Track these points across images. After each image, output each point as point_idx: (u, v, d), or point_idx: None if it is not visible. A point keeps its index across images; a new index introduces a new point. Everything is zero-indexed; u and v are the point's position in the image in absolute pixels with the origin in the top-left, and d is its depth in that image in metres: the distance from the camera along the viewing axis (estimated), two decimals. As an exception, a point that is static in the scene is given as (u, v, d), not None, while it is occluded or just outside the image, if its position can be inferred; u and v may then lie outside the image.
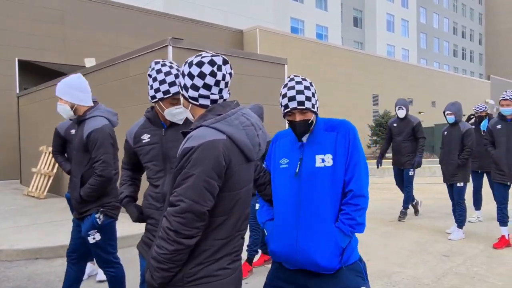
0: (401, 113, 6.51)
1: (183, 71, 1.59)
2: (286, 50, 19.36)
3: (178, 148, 1.57)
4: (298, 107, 1.79)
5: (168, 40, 5.53)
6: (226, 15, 23.09)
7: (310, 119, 1.81)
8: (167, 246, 1.39)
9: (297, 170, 1.82)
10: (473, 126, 6.05)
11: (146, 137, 2.19)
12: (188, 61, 1.59)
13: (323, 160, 1.79)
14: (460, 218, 5.39)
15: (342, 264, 1.80)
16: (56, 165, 9.18)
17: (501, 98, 4.77)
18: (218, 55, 1.58)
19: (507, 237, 4.92)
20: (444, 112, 5.51)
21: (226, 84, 1.60)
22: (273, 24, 25.86)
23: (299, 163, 1.82)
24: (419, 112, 26.05)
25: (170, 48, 5.54)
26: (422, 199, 7.56)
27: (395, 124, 6.62)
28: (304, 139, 1.87)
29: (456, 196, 5.40)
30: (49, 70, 14.13)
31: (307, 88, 1.82)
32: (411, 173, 6.52)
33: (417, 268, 4.25)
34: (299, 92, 1.80)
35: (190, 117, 1.66)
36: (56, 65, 13.85)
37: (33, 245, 4.95)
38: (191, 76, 1.55)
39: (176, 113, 2.08)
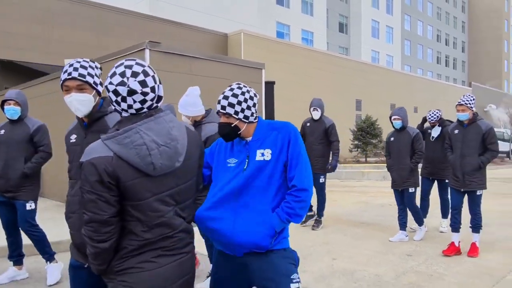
0: (316, 115, 6.23)
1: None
2: (270, 55, 19.56)
3: None
4: (220, 110, 1.99)
5: (146, 44, 5.64)
6: (212, 19, 23.21)
7: (232, 123, 1.97)
8: (90, 249, 1.63)
9: (245, 167, 1.97)
10: (429, 131, 6.08)
11: (73, 137, 2.27)
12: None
13: (262, 154, 1.96)
14: (418, 218, 5.53)
15: (273, 246, 1.96)
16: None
17: (457, 104, 4.72)
18: (134, 64, 1.67)
19: (456, 244, 4.87)
20: (390, 118, 5.47)
21: (135, 98, 1.63)
22: (258, 29, 26.06)
23: (246, 160, 1.98)
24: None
25: (147, 52, 5.65)
26: (391, 203, 7.76)
27: (308, 124, 6.33)
28: (248, 139, 2.02)
29: (408, 201, 5.46)
30: (31, 70, 14.06)
31: (234, 95, 1.99)
32: (321, 179, 6.13)
33: (379, 267, 4.43)
34: (225, 97, 1.99)
35: (86, 109, 2.12)
36: (38, 65, 13.79)
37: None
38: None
39: (69, 102, 2.09)
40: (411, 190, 5.41)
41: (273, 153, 1.95)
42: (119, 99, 1.64)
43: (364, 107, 24.60)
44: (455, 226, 4.92)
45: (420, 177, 5.89)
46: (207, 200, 1.99)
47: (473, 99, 4.70)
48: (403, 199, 5.53)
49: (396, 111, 5.47)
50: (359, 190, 11.21)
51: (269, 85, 8.11)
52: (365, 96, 25.23)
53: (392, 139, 5.55)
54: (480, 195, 4.77)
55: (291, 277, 1.96)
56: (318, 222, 6.27)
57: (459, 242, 4.90)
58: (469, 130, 4.71)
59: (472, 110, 4.70)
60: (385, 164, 6.09)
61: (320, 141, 6.10)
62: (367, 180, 13.71)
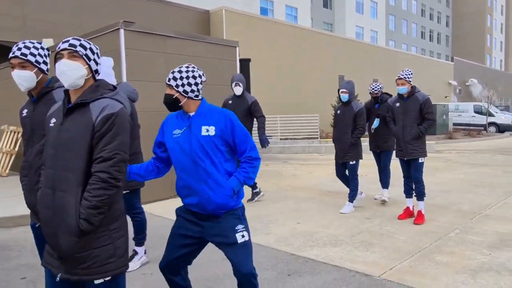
0: (238, 90, 5.98)
1: None
2: (253, 32, 19.63)
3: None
4: (166, 82, 2.39)
5: (120, 23, 5.84)
6: (194, -5, 23.02)
7: (173, 95, 2.34)
8: (108, 192, 1.76)
9: (177, 137, 2.37)
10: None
11: (24, 112, 2.58)
12: None
13: (207, 130, 2.34)
14: (352, 193, 5.68)
15: (231, 207, 2.37)
16: (18, 143, 9.39)
17: (397, 78, 5.07)
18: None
19: (411, 209, 5.29)
20: (338, 90, 5.62)
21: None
22: (241, 5, 25.93)
23: (185, 129, 2.37)
24: (385, 93, 26.84)
25: (121, 31, 5.86)
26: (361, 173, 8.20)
27: (230, 102, 6.10)
28: (191, 114, 2.40)
29: (350, 172, 5.65)
30: (8, 49, 13.99)
31: (180, 72, 2.39)
32: None
33: (339, 229, 4.88)
34: (173, 72, 2.39)
35: (28, 84, 2.41)
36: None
37: (-7, 216, 5.30)
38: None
39: (14, 78, 2.38)
40: (352, 162, 5.58)
41: (217, 130, 2.33)
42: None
43: (346, 83, 24.90)
44: (408, 192, 5.33)
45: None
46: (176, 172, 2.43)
47: (411, 73, 5.07)
48: (344, 172, 5.76)
49: (343, 84, 5.53)
50: (324, 162, 11.66)
51: (245, 63, 8.36)
52: (349, 72, 25.54)
53: (338, 112, 5.68)
54: (422, 162, 5.08)
55: (236, 228, 2.37)
56: (256, 194, 6.40)
57: (413, 206, 5.34)
58: (409, 102, 5.08)
59: (410, 84, 5.07)
60: (366, 139, 6.52)
61: (243, 118, 5.78)
62: (328, 154, 14.20)
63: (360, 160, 5.68)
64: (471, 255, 3.92)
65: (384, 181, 6.25)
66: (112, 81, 3.48)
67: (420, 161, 5.06)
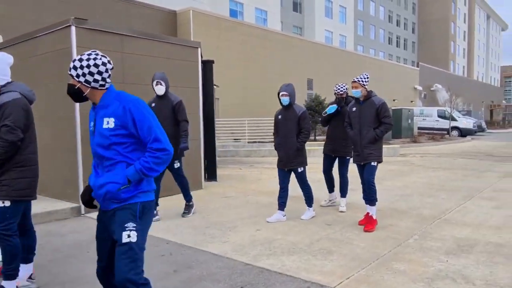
0: (159, 90, 5.32)
1: None
2: (222, 34, 19.44)
3: None
4: (68, 72, 2.23)
5: (71, 20, 5.52)
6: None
7: (75, 86, 2.20)
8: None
9: (92, 129, 2.28)
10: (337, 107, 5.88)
11: None
12: None
13: (108, 123, 2.20)
14: (308, 199, 5.49)
15: (124, 199, 2.22)
16: None
17: (352, 81, 5.00)
18: None
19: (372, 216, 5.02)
20: (278, 94, 5.20)
21: None
22: (209, 6, 25.69)
23: (93, 123, 2.27)
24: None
25: (73, 29, 5.53)
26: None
27: (153, 104, 5.42)
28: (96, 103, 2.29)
29: (300, 180, 5.37)
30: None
31: (80, 60, 2.20)
32: (176, 165, 5.49)
33: (298, 235, 4.75)
34: (73, 61, 2.22)
35: None
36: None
37: None
38: None
39: None
40: (299, 169, 5.29)
41: (116, 121, 2.18)
42: None
43: (315, 86, 25.09)
44: (365, 198, 5.13)
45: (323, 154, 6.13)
46: None
47: (367, 78, 5.00)
48: (287, 180, 5.40)
49: (283, 87, 5.17)
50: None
51: (208, 64, 8.16)
52: (318, 75, 25.74)
53: (280, 117, 5.30)
54: (375, 166, 4.99)
55: (125, 225, 2.21)
56: (188, 207, 5.75)
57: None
58: (365, 106, 5.02)
59: (365, 88, 5.00)
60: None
61: (166, 121, 5.15)
62: (313, 157, 14.18)
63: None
64: (429, 262, 3.87)
65: (342, 189, 6.07)
66: (7, 78, 3.15)
67: (372, 163, 4.98)
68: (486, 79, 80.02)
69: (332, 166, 6.17)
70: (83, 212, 5.77)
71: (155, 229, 4.98)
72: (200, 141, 7.51)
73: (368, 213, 5.09)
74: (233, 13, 29.58)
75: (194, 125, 7.39)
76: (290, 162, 5.24)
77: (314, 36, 37.42)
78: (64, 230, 5.13)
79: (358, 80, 4.96)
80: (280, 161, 5.34)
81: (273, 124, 5.49)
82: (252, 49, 21.06)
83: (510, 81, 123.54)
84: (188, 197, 5.73)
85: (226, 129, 16.94)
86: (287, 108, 5.22)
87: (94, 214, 5.71)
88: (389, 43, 55.22)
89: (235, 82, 19.42)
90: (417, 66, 42.51)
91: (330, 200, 6.31)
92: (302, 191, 5.49)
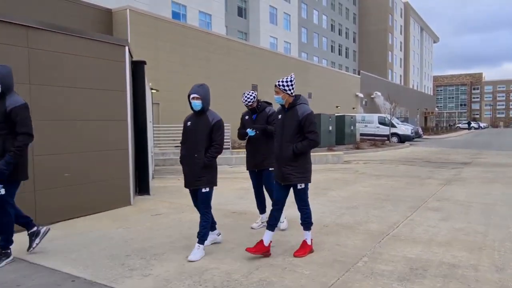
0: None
1: None
2: (161, 35, 18.45)
3: None
4: None
5: (-42, 6, 4.50)
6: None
7: None
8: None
9: None
10: (246, 117, 5.36)
11: None
12: None
13: None
14: (202, 231, 4.27)
15: None
16: None
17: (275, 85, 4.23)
18: None
19: (266, 244, 4.24)
20: (189, 96, 4.29)
21: None
22: (150, 7, 24.53)
23: None
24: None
25: (-39, 16, 4.52)
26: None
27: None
28: None
29: (202, 204, 4.30)
30: None
31: None
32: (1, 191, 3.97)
33: (235, 262, 4.10)
34: None
35: None
36: None
37: None
38: None
39: None
40: (204, 190, 4.28)
41: None
42: None
43: (260, 92, 24.73)
44: (270, 223, 4.28)
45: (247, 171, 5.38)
46: None
47: (290, 82, 4.21)
48: (197, 201, 4.45)
49: (195, 87, 4.27)
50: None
51: (139, 65, 7.32)
52: (262, 81, 25.42)
53: (189, 123, 4.39)
54: (302, 189, 4.26)
55: None
56: (35, 235, 4.37)
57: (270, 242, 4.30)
58: (288, 115, 4.26)
59: (287, 93, 4.21)
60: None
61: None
62: (238, 166, 13.69)
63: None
64: (381, 292, 3.38)
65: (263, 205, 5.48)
66: None
67: (299, 187, 4.24)
68: (420, 87, 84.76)
69: (260, 182, 5.38)
70: (-26, 240, 4.71)
71: (63, 260, 4.11)
72: (128, 151, 6.64)
73: (268, 243, 4.28)
74: (176, 16, 28.58)
75: (120, 132, 6.52)
76: (196, 180, 4.28)
77: (259, 42, 37.27)
78: None
79: (278, 85, 4.21)
80: (185, 179, 4.40)
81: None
82: (194, 53, 20.25)
83: (441, 90, 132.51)
84: (4, 243, 4.11)
85: (167, 136, 15.97)
86: (199, 115, 4.33)
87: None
88: (331, 51, 56.61)
89: (176, 86, 18.50)
90: (359, 74, 43.78)
91: (262, 222, 5.47)
92: (201, 219, 4.32)
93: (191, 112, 4.43)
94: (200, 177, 4.27)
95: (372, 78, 46.51)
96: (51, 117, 5.50)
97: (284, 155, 4.20)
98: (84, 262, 4.11)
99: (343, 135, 23.09)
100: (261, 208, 5.51)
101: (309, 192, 4.59)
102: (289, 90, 4.20)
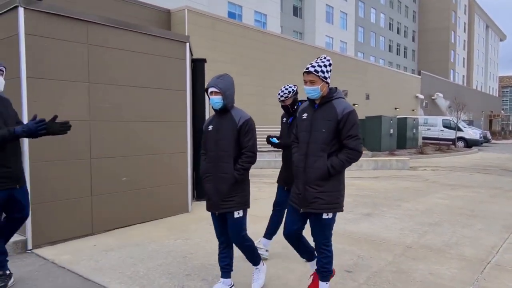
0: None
1: None
2: (218, 35, 18.25)
3: None
4: None
5: (18, 0, 4.27)
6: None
7: None
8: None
9: None
10: (284, 119, 4.20)
11: None
12: None
13: None
14: (251, 256, 3.42)
15: None
16: None
17: (304, 71, 2.99)
18: None
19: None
20: (206, 91, 3.26)
21: None
22: (207, 7, 24.54)
23: None
24: (353, 104, 26.19)
25: (20, 11, 4.28)
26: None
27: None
28: None
29: (232, 232, 3.26)
30: None
31: None
32: None
33: (310, 292, 3.47)
34: None
35: None
36: None
37: None
38: None
39: None
40: (237, 214, 3.22)
41: None
42: None
43: (315, 93, 23.93)
44: (305, 256, 3.50)
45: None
46: None
47: (329, 65, 2.96)
48: (224, 229, 3.34)
49: (214, 79, 3.21)
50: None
51: (199, 64, 6.92)
52: (317, 81, 24.59)
53: (210, 127, 3.32)
54: (329, 219, 3.00)
55: None
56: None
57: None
58: (320, 114, 2.99)
59: (326, 82, 2.95)
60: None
61: None
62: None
63: None
64: None
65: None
66: None
67: (325, 216, 2.98)
68: (484, 88, 79.37)
69: (284, 200, 4.13)
70: (30, 247, 4.48)
71: (118, 277, 3.70)
72: (187, 154, 6.24)
73: (314, 276, 3.29)
74: (232, 16, 28.48)
75: (179, 134, 6.13)
76: (222, 201, 3.22)
77: (314, 42, 36.36)
78: None
79: (315, 70, 2.91)
80: (208, 201, 3.33)
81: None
82: (250, 52, 19.88)
83: (507, 91, 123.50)
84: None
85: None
86: (222, 115, 3.30)
87: (44, 250, 4.41)
88: (389, 51, 54.33)
89: (231, 87, 18.21)
90: (419, 74, 41.49)
91: (265, 248, 4.30)
92: (239, 248, 3.35)
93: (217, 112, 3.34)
94: (229, 197, 3.21)
95: (434, 79, 43.92)
96: (109, 118, 5.18)
97: (311, 171, 2.96)
98: (140, 281, 3.68)
99: (404, 138, 21.70)
100: (270, 233, 4.29)
101: (381, 203, 3.86)
102: (329, 77, 2.98)
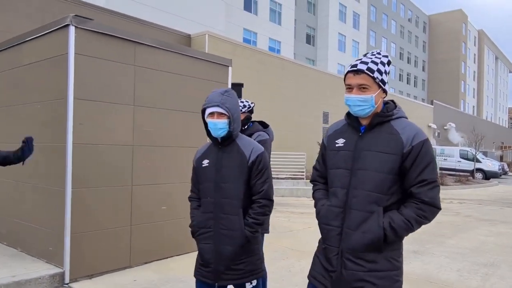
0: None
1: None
2: (237, 60, 18.20)
3: None
4: None
5: (69, 18, 4.09)
6: (173, 19, 21.66)
7: None
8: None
9: None
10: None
11: None
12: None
13: None
14: None
15: None
16: None
17: (349, 69, 1.91)
18: None
19: None
20: (203, 112, 2.43)
21: None
22: (224, 33, 24.74)
23: None
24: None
25: (71, 30, 4.09)
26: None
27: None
28: None
29: None
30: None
31: None
32: None
33: None
34: None
35: None
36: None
37: None
38: None
39: None
40: (249, 286, 2.35)
41: None
42: None
43: (332, 120, 23.71)
44: None
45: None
46: None
47: (387, 62, 1.91)
48: None
49: (215, 95, 2.37)
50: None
51: (237, 88, 6.70)
52: (333, 108, 24.42)
53: (206, 162, 2.42)
54: None
55: None
56: None
57: None
58: (369, 142, 1.90)
59: (383, 90, 1.91)
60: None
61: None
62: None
63: None
64: None
65: None
66: None
67: None
68: (494, 119, 79.01)
69: None
70: (67, 280, 4.13)
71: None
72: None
73: None
74: (247, 42, 28.70)
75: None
76: (227, 270, 2.32)
77: (327, 69, 36.51)
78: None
79: (368, 67, 1.85)
80: (201, 266, 2.40)
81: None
82: (266, 77, 19.84)
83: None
84: None
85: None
86: (224, 145, 2.40)
87: (82, 284, 4.07)
88: (399, 80, 54.48)
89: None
90: (431, 104, 41.33)
91: None
92: None
93: (213, 139, 2.45)
94: (238, 263, 2.31)
95: (446, 109, 43.73)
96: (151, 142, 4.92)
97: (355, 235, 1.85)
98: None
99: (422, 169, 21.26)
100: None
101: (423, 239, 3.47)
102: (387, 82, 1.94)
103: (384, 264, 1.82)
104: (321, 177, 2.10)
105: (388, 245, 1.82)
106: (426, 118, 39.10)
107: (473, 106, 68.98)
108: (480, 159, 24.90)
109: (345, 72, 1.92)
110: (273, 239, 6.66)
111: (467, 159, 24.94)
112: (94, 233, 4.35)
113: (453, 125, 42.40)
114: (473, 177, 23.63)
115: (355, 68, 1.86)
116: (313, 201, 2.11)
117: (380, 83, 1.87)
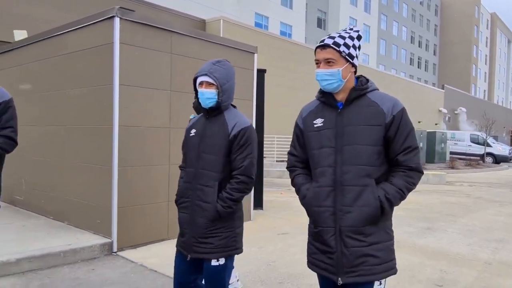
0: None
1: None
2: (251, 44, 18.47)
3: None
4: None
5: (115, 10, 4.44)
6: (185, 2, 21.85)
7: None
8: None
9: None
10: None
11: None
12: None
13: None
14: None
15: None
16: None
17: (317, 45, 1.90)
18: None
19: None
20: (194, 81, 2.39)
21: None
22: (236, 18, 24.87)
23: None
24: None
25: (116, 21, 4.45)
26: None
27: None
28: None
29: (209, 283, 2.30)
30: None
31: None
32: None
33: (411, 305, 3.49)
34: None
35: None
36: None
37: None
38: None
39: None
40: (214, 262, 2.26)
41: None
42: None
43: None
44: None
45: None
46: None
47: (357, 36, 1.90)
48: (192, 276, 2.37)
49: (207, 65, 2.33)
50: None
51: (260, 74, 7.04)
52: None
53: (192, 133, 2.42)
54: None
55: None
56: None
57: None
58: (351, 116, 1.88)
59: (352, 64, 1.90)
60: None
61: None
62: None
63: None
64: None
65: None
66: None
67: (377, 286, 1.86)
68: (506, 103, 78.27)
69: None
70: (115, 249, 4.59)
71: None
72: (250, 163, 6.32)
73: None
74: (258, 26, 28.79)
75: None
76: (198, 242, 2.28)
77: (338, 53, 36.53)
78: (94, 278, 3.93)
79: (334, 42, 1.85)
80: (179, 236, 2.40)
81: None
82: (280, 62, 20.05)
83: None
84: None
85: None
86: (211, 116, 2.38)
87: (128, 253, 4.52)
88: (410, 64, 54.14)
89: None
90: (442, 88, 41.17)
91: None
92: None
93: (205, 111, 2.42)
94: (207, 237, 2.26)
95: (457, 93, 43.53)
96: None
97: (352, 212, 1.84)
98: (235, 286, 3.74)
99: (433, 153, 21.54)
100: None
101: (435, 218, 3.83)
102: (356, 56, 1.92)
103: (382, 235, 1.85)
104: (300, 162, 2.05)
105: (383, 216, 1.84)
106: (437, 102, 39.02)
107: (484, 90, 68.38)
108: (491, 143, 25.02)
109: (315, 47, 1.92)
110: (291, 215, 7.09)
111: (478, 143, 25.09)
112: (136, 207, 4.78)
113: (464, 109, 42.26)
114: (483, 161, 23.82)
115: (322, 43, 1.87)
116: (294, 188, 2.05)
117: (347, 57, 1.86)
